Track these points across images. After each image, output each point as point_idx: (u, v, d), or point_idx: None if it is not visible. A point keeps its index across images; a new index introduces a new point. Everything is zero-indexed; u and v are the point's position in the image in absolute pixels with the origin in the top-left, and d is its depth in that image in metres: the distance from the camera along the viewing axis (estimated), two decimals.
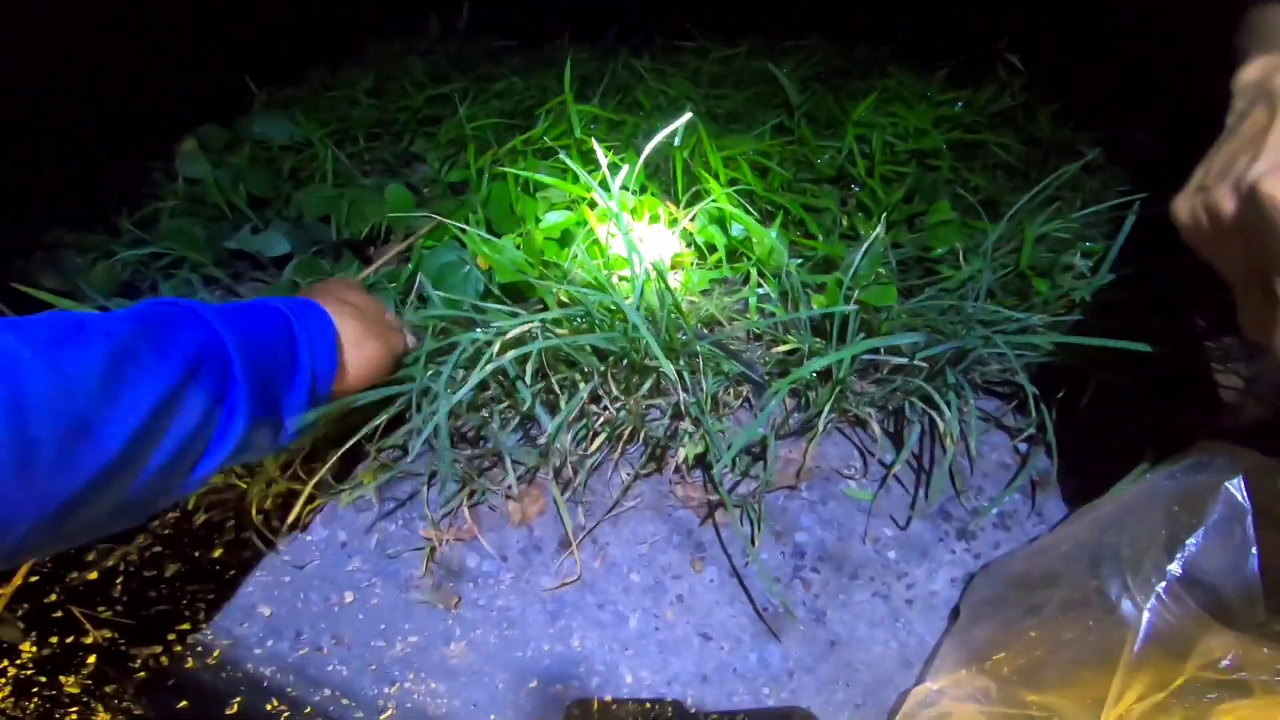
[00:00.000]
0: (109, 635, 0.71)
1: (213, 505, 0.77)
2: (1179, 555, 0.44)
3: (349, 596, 0.71)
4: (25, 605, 0.72)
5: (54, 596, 0.73)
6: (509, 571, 0.71)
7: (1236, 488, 0.45)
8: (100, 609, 0.72)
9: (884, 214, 0.88)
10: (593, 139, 0.82)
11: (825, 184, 0.99)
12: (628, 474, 0.75)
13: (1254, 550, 0.44)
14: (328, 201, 1.04)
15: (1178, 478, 0.49)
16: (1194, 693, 0.44)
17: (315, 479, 0.72)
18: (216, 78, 1.33)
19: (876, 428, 0.76)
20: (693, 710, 0.65)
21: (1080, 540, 0.53)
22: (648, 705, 0.65)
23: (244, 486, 0.76)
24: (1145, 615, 0.44)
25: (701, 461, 0.75)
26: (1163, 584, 0.43)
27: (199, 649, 0.69)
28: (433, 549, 0.72)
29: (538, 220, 0.84)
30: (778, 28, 1.66)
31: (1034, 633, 0.55)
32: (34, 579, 0.74)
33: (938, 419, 0.71)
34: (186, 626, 0.71)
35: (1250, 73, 0.52)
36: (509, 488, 0.73)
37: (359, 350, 0.63)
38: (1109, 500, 0.55)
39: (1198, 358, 0.79)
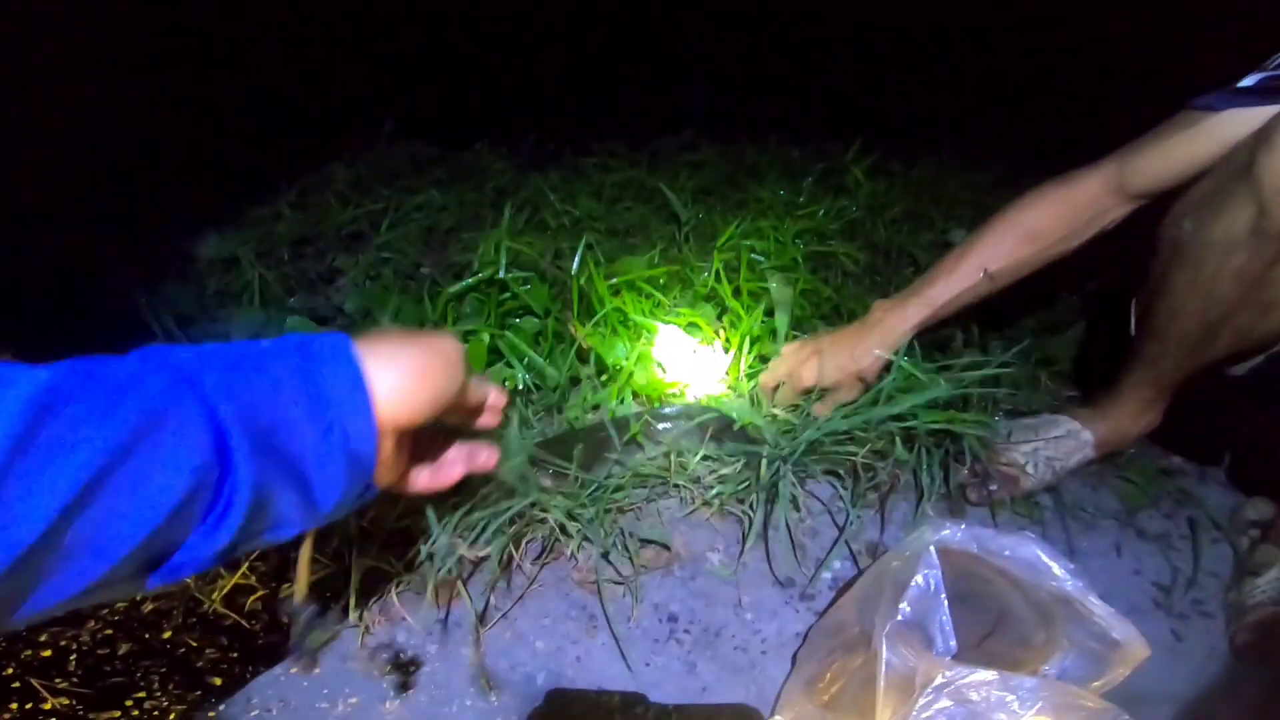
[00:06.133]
0: (66, 703, 0.85)
1: (159, 595, 0.94)
2: (900, 605, 0.68)
3: (294, 669, 0.89)
4: None
5: (10, 670, 0.88)
6: (434, 644, 0.91)
7: (930, 553, 0.70)
8: (57, 681, 0.87)
9: (747, 331, 1.14)
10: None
11: (702, 302, 1.25)
12: (532, 563, 0.97)
13: (943, 597, 0.69)
14: (256, 325, 1.22)
15: (904, 547, 0.74)
16: (926, 708, 0.68)
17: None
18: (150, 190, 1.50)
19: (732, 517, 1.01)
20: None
21: (856, 595, 0.77)
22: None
23: (189, 581, 0.93)
24: (884, 651, 0.67)
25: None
26: (890, 625, 0.67)
27: (155, 713, 0.85)
28: (366, 628, 0.91)
29: None
30: (678, 131, 1.97)
31: (836, 667, 0.79)
32: None
33: (779, 507, 0.96)
34: (142, 694, 0.87)
35: None
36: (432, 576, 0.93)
37: (397, 370, 0.52)
38: (875, 564, 0.80)
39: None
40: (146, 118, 1.54)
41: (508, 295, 1.15)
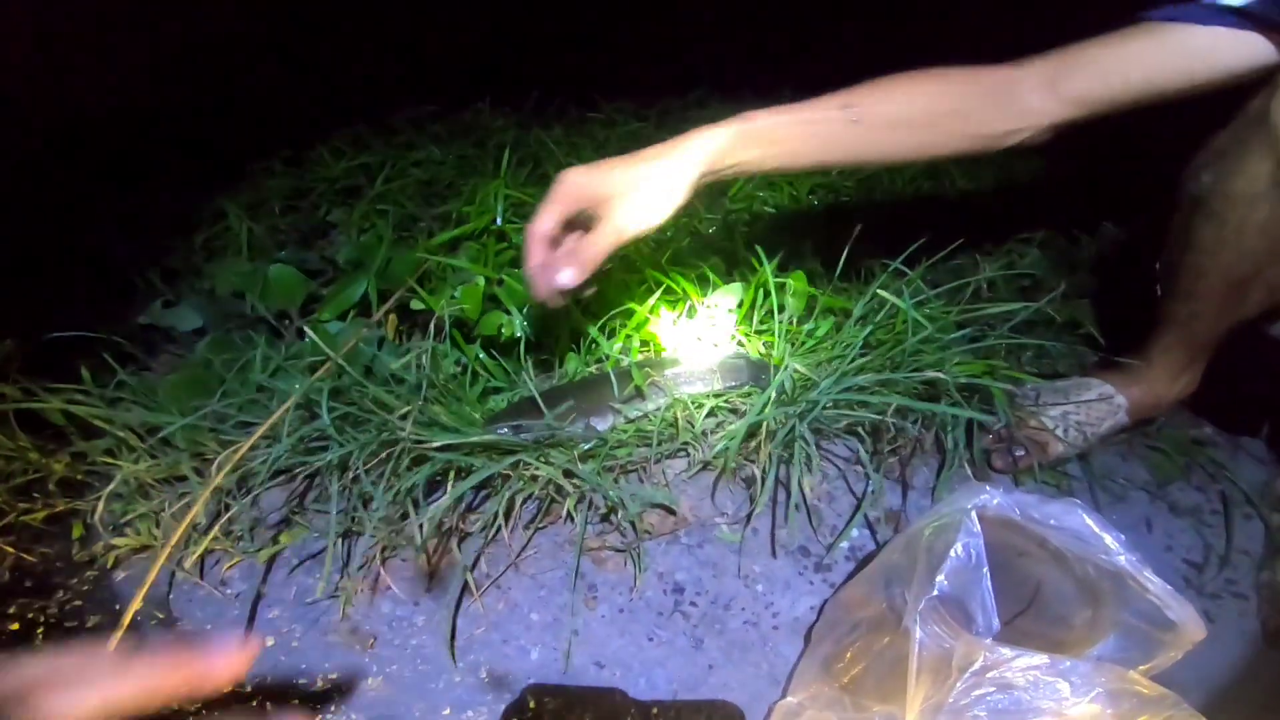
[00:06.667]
0: None
1: (132, 562, 0.86)
2: (936, 578, 0.59)
3: (270, 641, 0.81)
4: None
5: None
6: (421, 615, 0.82)
7: (971, 520, 0.61)
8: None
9: (760, 283, 1.05)
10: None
11: (712, 254, 1.15)
12: (525, 527, 0.88)
13: (985, 570, 0.60)
14: (242, 277, 1.11)
15: (939, 513, 0.65)
16: (965, 694, 0.59)
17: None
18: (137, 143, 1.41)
19: (743, 479, 0.92)
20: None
21: (881, 566, 0.68)
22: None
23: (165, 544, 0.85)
24: (917, 630, 0.58)
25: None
26: (925, 601, 0.58)
27: None
28: (348, 597, 0.83)
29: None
30: (688, 91, 1.86)
31: (858, 646, 0.70)
32: None
33: (792, 469, 0.86)
34: None
35: None
36: (419, 542, 0.84)
37: None
38: (902, 534, 0.71)
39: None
40: (139, 72, 1.45)
41: (506, 245, 1.05)
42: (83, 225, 1.25)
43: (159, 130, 1.44)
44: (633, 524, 0.87)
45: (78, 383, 0.93)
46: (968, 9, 1.88)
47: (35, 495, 0.90)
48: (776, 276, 1.06)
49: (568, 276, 0.80)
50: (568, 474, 0.85)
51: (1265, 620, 0.92)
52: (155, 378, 1.05)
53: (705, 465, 0.92)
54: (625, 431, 0.92)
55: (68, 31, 1.30)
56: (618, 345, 1.00)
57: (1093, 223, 1.42)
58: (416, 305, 0.95)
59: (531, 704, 0.77)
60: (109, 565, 0.85)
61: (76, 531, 0.87)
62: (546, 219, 0.80)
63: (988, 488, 0.64)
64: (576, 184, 0.80)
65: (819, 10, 2.03)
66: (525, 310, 0.97)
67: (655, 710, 0.78)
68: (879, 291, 0.95)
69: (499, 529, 0.84)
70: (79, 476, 0.91)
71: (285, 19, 1.72)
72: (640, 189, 0.80)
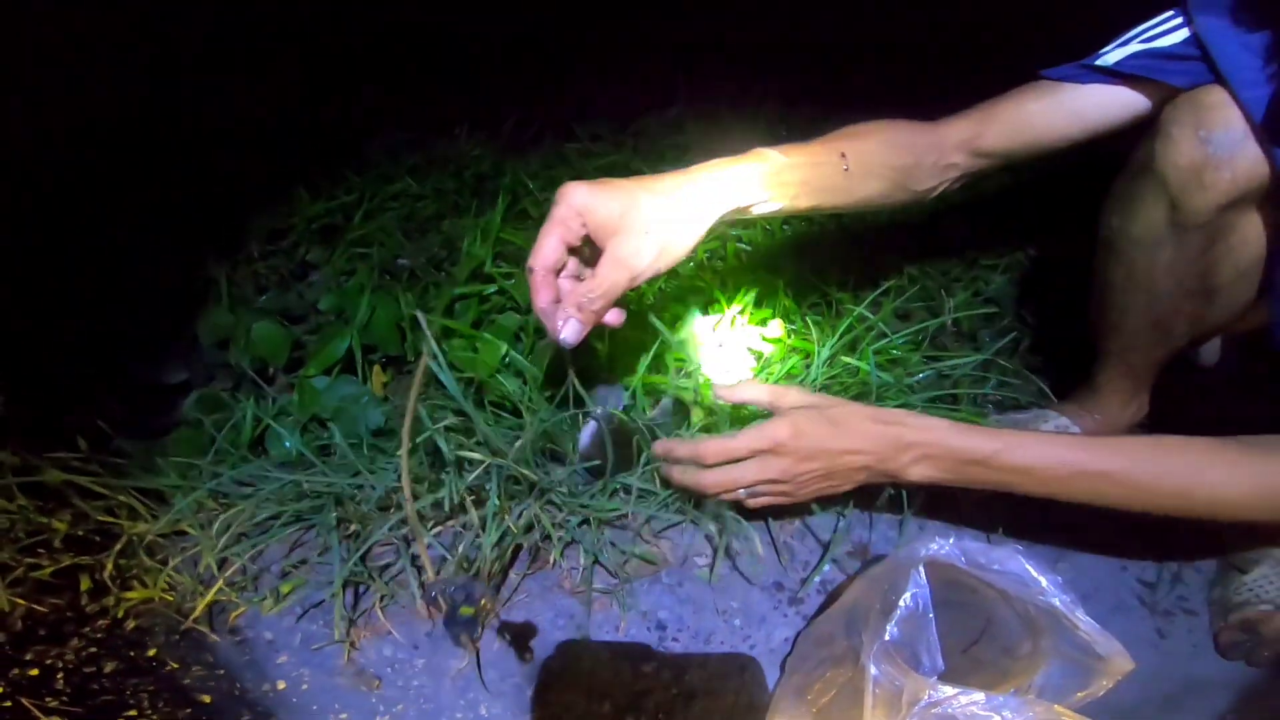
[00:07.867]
0: None
1: (141, 613, 0.94)
2: (888, 624, 0.68)
3: (281, 684, 0.89)
4: None
5: (1, 689, 0.87)
6: (421, 657, 0.91)
7: (919, 572, 0.70)
8: (48, 700, 0.84)
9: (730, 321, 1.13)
10: None
11: (688, 294, 1.23)
12: (518, 573, 0.96)
13: (931, 616, 0.69)
14: (224, 327, 1.17)
15: (893, 560, 0.75)
16: None
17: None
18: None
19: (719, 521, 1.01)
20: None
21: (844, 607, 0.78)
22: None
23: (170, 598, 0.93)
24: (872, 668, 0.68)
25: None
26: (879, 644, 0.67)
27: None
28: (352, 643, 0.91)
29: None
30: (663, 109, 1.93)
31: (826, 677, 0.79)
32: None
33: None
34: (133, 713, 0.85)
35: None
36: (417, 589, 0.93)
37: None
38: (862, 576, 0.80)
39: None
40: (103, 113, 1.47)
41: (493, 289, 1.12)
42: (58, 272, 1.29)
43: (120, 168, 1.47)
44: (616, 571, 0.96)
45: (73, 447, 0.99)
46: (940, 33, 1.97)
47: (40, 551, 0.96)
48: (753, 312, 1.15)
49: (571, 333, 0.73)
50: (558, 526, 0.94)
51: (1217, 634, 1.01)
52: (147, 440, 1.10)
53: (680, 509, 1.00)
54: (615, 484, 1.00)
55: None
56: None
57: (1059, 243, 1.51)
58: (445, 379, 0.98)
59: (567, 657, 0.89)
60: (120, 616, 0.93)
61: (84, 585, 0.94)
62: (548, 248, 0.72)
63: (937, 539, 0.73)
64: (580, 204, 0.70)
65: (795, 27, 2.11)
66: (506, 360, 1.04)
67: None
68: (843, 358, 1.04)
69: (492, 572, 0.93)
70: (81, 533, 0.97)
71: (254, 46, 1.75)
72: (656, 219, 0.71)
